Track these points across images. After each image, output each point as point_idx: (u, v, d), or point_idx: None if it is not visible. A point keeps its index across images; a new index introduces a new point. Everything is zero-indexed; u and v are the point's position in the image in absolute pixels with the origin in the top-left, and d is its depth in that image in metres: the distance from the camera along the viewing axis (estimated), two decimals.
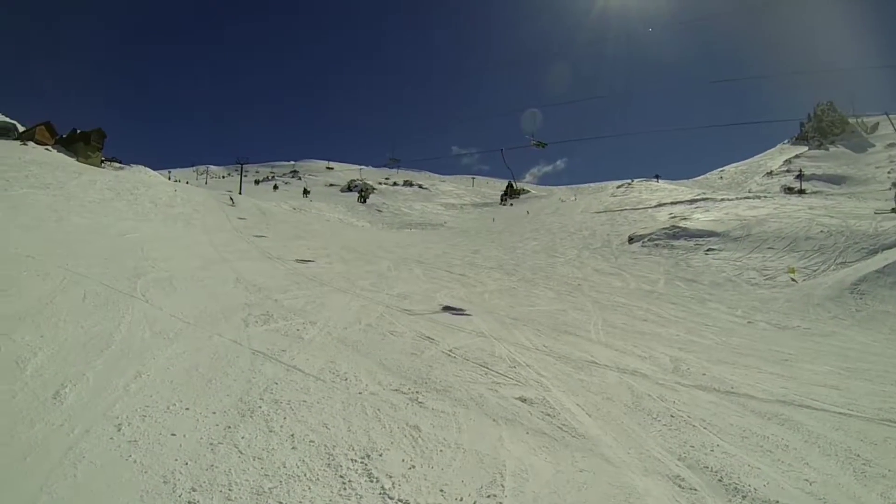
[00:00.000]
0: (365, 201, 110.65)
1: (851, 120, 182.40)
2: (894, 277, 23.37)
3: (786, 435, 7.44)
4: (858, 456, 6.77)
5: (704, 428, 7.54)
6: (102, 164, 74.39)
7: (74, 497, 4.74)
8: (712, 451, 6.71)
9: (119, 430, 6.00)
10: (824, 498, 5.56)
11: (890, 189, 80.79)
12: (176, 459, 5.48)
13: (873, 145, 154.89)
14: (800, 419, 8.14)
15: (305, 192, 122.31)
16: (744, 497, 5.52)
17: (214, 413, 6.73)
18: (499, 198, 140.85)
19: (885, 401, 9.46)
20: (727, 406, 8.65)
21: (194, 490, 4.96)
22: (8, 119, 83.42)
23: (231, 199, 62.37)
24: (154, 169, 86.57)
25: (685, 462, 6.32)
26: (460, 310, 16.60)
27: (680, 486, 5.72)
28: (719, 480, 5.87)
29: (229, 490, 5.01)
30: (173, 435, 5.99)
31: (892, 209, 42.68)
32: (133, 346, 9.14)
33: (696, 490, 5.63)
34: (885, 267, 24.56)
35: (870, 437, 7.48)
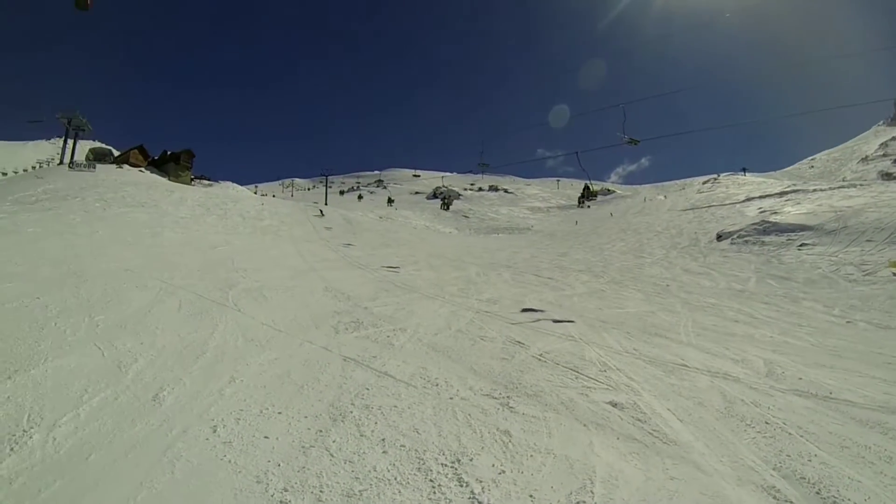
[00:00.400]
0: (448, 208, 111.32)
1: None
2: None
3: (889, 445, 6.98)
4: None
5: (801, 436, 7.19)
6: (192, 182, 77.54)
7: (172, 492, 4.91)
8: (809, 461, 6.38)
9: (214, 431, 6.20)
10: None
11: None
12: (269, 461, 5.60)
13: None
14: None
15: (390, 200, 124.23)
16: None
17: (306, 417, 6.86)
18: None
19: None
20: (825, 413, 8.24)
21: (286, 490, 5.06)
22: (104, 145, 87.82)
23: (320, 211, 63.68)
24: (241, 184, 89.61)
25: (780, 472, 6.03)
26: (542, 311, 16.48)
27: (775, 497, 5.46)
28: (817, 493, 5.56)
29: (320, 491, 5.08)
30: (266, 437, 6.14)
31: None
32: (227, 352, 9.44)
33: (791, 503, 5.37)
34: None
35: None
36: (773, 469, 6.10)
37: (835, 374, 10.75)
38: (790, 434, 7.25)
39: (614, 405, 8.07)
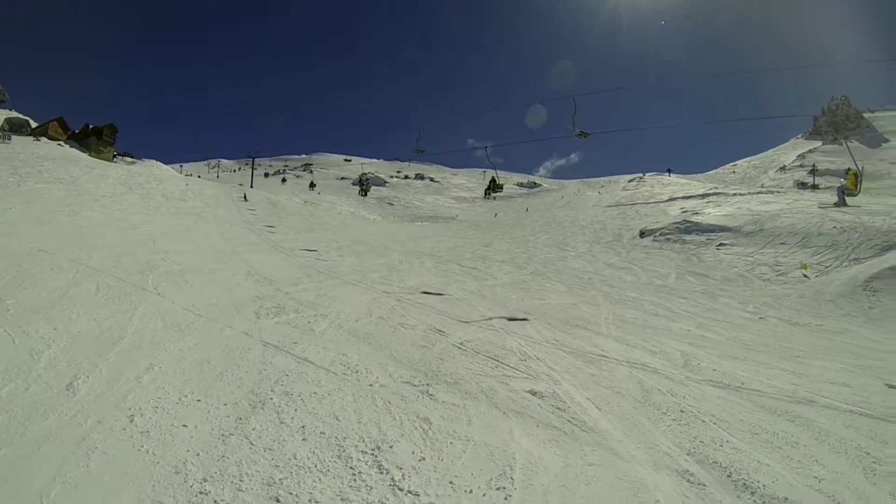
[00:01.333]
0: (366, 194, 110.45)
1: (866, 115, 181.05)
2: None
3: (796, 432, 7.38)
4: (868, 454, 6.68)
5: (714, 423, 7.50)
6: (114, 159, 74.74)
7: (87, 486, 4.78)
8: (722, 446, 6.67)
9: (131, 420, 6.05)
10: (833, 496, 5.51)
11: None
12: (188, 450, 5.52)
13: (888, 140, 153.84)
14: (810, 416, 8.07)
15: (312, 185, 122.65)
16: (753, 493, 5.48)
17: (226, 404, 6.78)
18: (511, 190, 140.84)
19: (893, 399, 9.41)
20: (737, 402, 8.60)
21: (206, 480, 5.00)
22: (21, 115, 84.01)
23: (244, 195, 62.46)
24: (166, 163, 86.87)
25: (694, 457, 6.29)
26: (446, 298, 16.65)
27: (689, 481, 5.70)
28: (728, 476, 5.84)
29: (240, 481, 5.04)
30: (185, 426, 6.04)
31: (835, 203, 42.57)
32: (145, 338, 9.21)
33: (705, 485, 5.60)
34: None
35: (880, 435, 7.40)
36: (688, 454, 6.35)
37: (747, 366, 11.22)
38: (704, 422, 7.55)
39: (534, 394, 8.23)
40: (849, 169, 48.31)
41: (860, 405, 8.80)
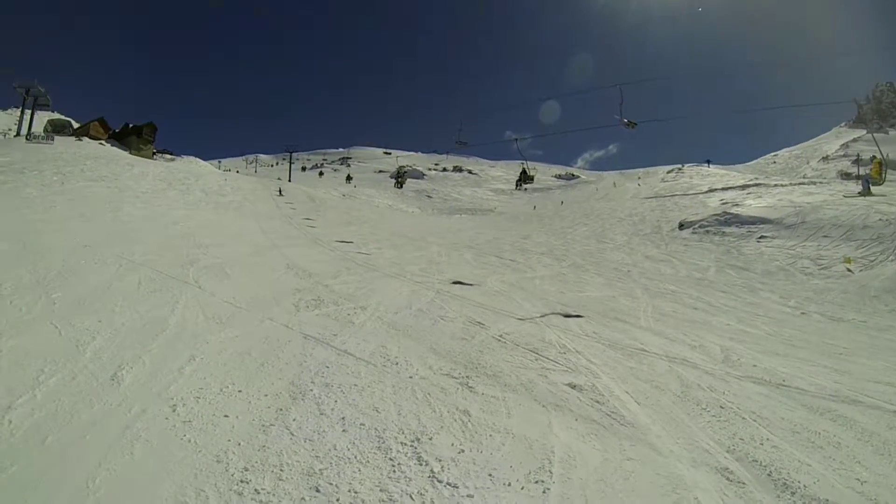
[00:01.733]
0: (401, 186, 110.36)
1: None
2: None
3: (838, 431, 7.21)
4: None
5: (754, 420, 7.37)
6: (154, 156, 75.95)
7: (131, 473, 4.86)
8: (762, 444, 6.55)
9: (174, 410, 6.14)
10: (876, 499, 5.36)
11: None
12: (229, 440, 5.58)
13: None
14: (853, 416, 7.88)
15: (348, 178, 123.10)
16: (793, 494, 5.36)
17: (266, 395, 6.85)
18: (549, 182, 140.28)
19: None
20: (778, 399, 8.44)
21: (247, 470, 5.04)
22: (63, 116, 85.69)
23: (279, 189, 62.79)
24: (204, 159, 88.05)
25: (734, 455, 6.19)
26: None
27: (728, 479, 5.60)
28: (768, 475, 5.72)
29: (280, 470, 5.08)
30: (226, 416, 6.11)
31: (859, 193, 41.56)
32: (187, 330, 9.35)
33: (744, 484, 5.50)
34: None
35: None
36: (727, 452, 6.25)
37: (788, 363, 11.01)
38: (744, 419, 7.42)
39: (573, 387, 8.18)
40: (873, 157, 47.10)
41: None
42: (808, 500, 5.24)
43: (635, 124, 24.78)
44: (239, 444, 5.50)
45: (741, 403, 8.08)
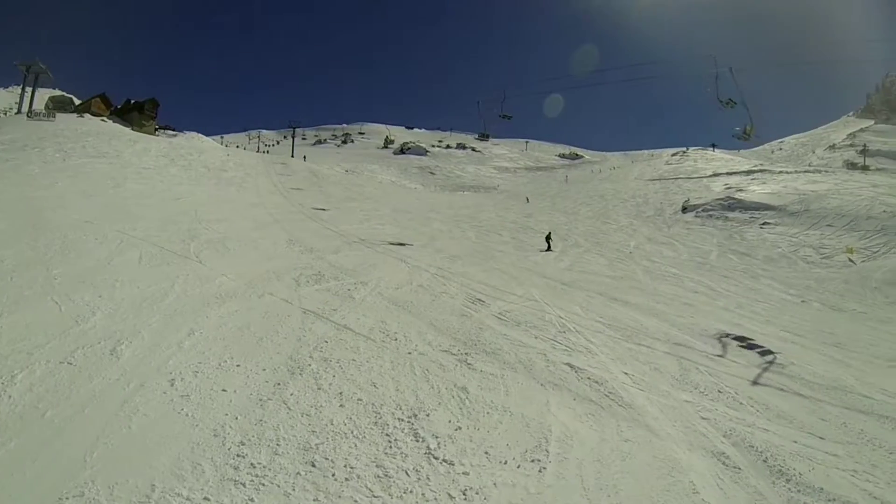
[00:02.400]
0: (403, 152, 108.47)
1: None
2: None
3: (835, 420, 7.25)
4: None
5: (752, 406, 7.40)
6: (156, 132, 75.50)
7: (128, 447, 4.87)
8: (758, 430, 6.57)
9: (172, 384, 6.15)
10: (872, 492, 5.34)
11: None
12: (226, 414, 5.60)
13: None
14: (853, 404, 7.97)
15: (343, 142, 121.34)
16: (788, 480, 5.38)
17: (264, 370, 6.87)
18: (553, 161, 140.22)
19: None
20: (777, 386, 8.49)
21: (243, 444, 5.06)
22: (65, 93, 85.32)
23: (284, 164, 62.48)
24: (207, 135, 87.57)
25: (730, 440, 6.21)
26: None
27: (724, 463, 5.63)
28: (764, 461, 5.74)
29: (277, 445, 5.10)
30: (224, 390, 6.12)
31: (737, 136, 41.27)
32: (187, 305, 9.35)
33: (740, 469, 5.52)
34: None
35: None
36: (724, 436, 6.28)
37: (787, 350, 11.02)
38: (742, 404, 7.47)
39: (572, 367, 8.21)
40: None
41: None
42: (804, 488, 5.26)
43: (735, 103, 22.73)
44: (236, 419, 5.51)
45: (739, 388, 8.13)
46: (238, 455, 4.86)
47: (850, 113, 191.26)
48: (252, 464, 4.74)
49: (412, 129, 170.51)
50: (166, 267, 11.98)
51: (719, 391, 7.90)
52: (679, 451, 5.80)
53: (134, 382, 6.10)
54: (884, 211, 34.90)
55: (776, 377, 8.94)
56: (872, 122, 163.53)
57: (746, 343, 11.15)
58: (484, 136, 42.97)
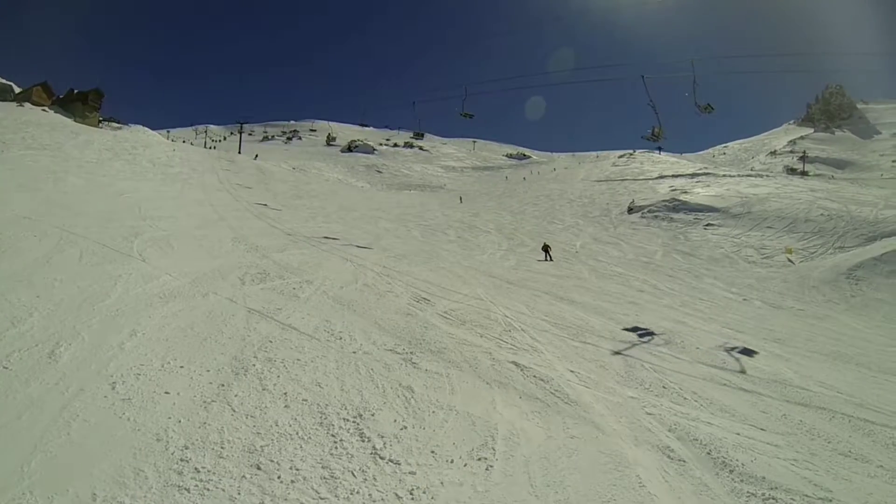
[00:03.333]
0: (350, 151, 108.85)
1: (860, 105, 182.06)
2: (892, 266, 23.95)
3: (775, 412, 7.55)
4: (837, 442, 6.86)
5: (695, 401, 7.64)
6: (100, 125, 73.58)
7: (68, 455, 4.72)
8: (702, 424, 6.78)
9: (113, 388, 5.99)
10: (812, 479, 5.59)
11: (893, 177, 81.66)
12: (169, 417, 5.50)
13: (880, 133, 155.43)
14: (792, 397, 8.30)
15: (289, 139, 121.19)
16: (731, 472, 5.57)
17: (208, 371, 6.76)
18: (500, 161, 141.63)
19: (872, 388, 9.62)
20: (718, 381, 8.75)
21: (187, 448, 4.98)
22: (4, 80, 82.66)
23: (231, 161, 61.70)
24: (153, 129, 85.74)
25: (675, 433, 6.40)
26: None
27: (669, 457, 5.80)
28: (708, 454, 5.94)
29: (221, 448, 5.04)
30: (167, 393, 6.01)
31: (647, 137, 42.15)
32: (129, 305, 9.11)
33: (684, 462, 5.69)
34: (883, 255, 25.12)
35: (858, 427, 7.47)
36: (669, 431, 6.46)
37: (729, 346, 11.33)
38: (685, 398, 7.69)
39: (517, 365, 8.33)
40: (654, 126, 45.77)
41: (838, 391, 8.97)
42: (746, 478, 5.45)
43: (713, 109, 22.62)
44: (179, 422, 5.42)
45: (683, 384, 8.35)
46: (182, 459, 4.78)
47: (791, 121, 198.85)
48: (196, 468, 4.67)
49: (366, 126, 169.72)
50: (108, 265, 11.66)
51: (664, 387, 8.10)
52: (625, 446, 5.94)
53: (73, 387, 5.91)
54: (821, 214, 36.68)
55: (719, 372, 9.21)
56: (812, 130, 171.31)
57: (686, 339, 11.45)
58: (419, 135, 43.30)
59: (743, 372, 9.38)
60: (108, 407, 5.58)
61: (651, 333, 11.62)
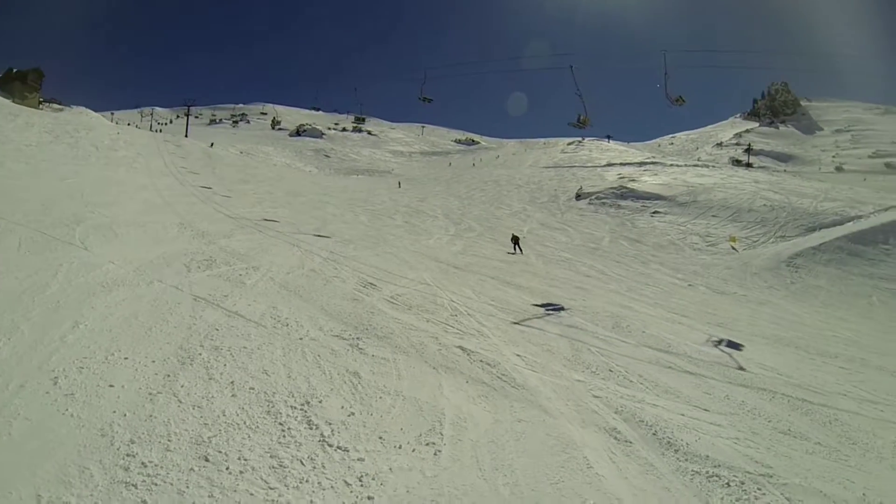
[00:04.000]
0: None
1: (804, 103, 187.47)
2: (829, 255, 25.94)
3: (718, 393, 7.87)
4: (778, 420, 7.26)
5: (641, 383, 7.87)
6: (40, 106, 71.50)
7: (10, 455, 4.57)
8: (648, 406, 6.99)
9: (55, 383, 5.83)
10: (753, 457, 5.85)
11: (833, 171, 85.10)
12: (114, 411, 5.40)
13: (822, 129, 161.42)
14: (734, 378, 8.66)
15: (235, 123, 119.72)
16: (676, 451, 5.79)
17: (154, 362, 6.66)
18: (448, 147, 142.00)
19: (810, 369, 10.19)
20: (663, 363, 9.01)
21: (133, 442, 4.90)
22: None
23: (179, 144, 60.54)
24: (96, 111, 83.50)
25: (622, 415, 6.60)
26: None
27: (616, 438, 5.98)
28: (654, 434, 6.15)
29: (168, 441, 4.99)
30: (111, 386, 5.89)
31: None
32: (70, 295, 8.89)
33: (631, 443, 5.88)
34: (821, 245, 27.11)
35: (797, 406, 7.82)
36: (615, 413, 6.66)
37: (674, 330, 11.77)
38: (631, 381, 7.92)
39: (464, 350, 8.44)
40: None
41: (778, 372, 9.45)
42: (691, 457, 5.70)
43: (684, 101, 22.65)
44: (125, 416, 5.33)
45: (629, 367, 8.59)
46: (128, 455, 4.70)
47: (738, 115, 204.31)
48: (143, 463, 4.61)
49: (318, 111, 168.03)
50: (49, 254, 11.36)
51: (610, 370, 8.31)
52: (572, 428, 6.09)
53: (13, 383, 5.74)
54: (764, 205, 38.23)
55: (664, 356, 9.46)
56: (757, 124, 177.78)
57: (632, 323, 11.73)
58: (360, 120, 43.21)
59: (687, 355, 9.65)
60: (50, 403, 5.43)
61: (596, 318, 11.85)
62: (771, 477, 5.45)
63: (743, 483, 5.31)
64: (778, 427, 6.80)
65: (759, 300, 19.50)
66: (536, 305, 12.47)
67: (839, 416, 7.55)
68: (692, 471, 5.43)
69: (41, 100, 75.16)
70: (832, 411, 7.67)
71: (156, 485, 4.36)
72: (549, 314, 11.68)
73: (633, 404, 6.97)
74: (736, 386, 8.27)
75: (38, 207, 16.66)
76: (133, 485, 4.32)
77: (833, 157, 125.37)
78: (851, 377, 9.97)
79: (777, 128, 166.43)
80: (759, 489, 5.24)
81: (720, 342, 11.12)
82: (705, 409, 7.10)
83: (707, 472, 5.42)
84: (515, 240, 25.99)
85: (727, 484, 5.28)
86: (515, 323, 10.58)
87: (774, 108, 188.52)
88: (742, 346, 11.05)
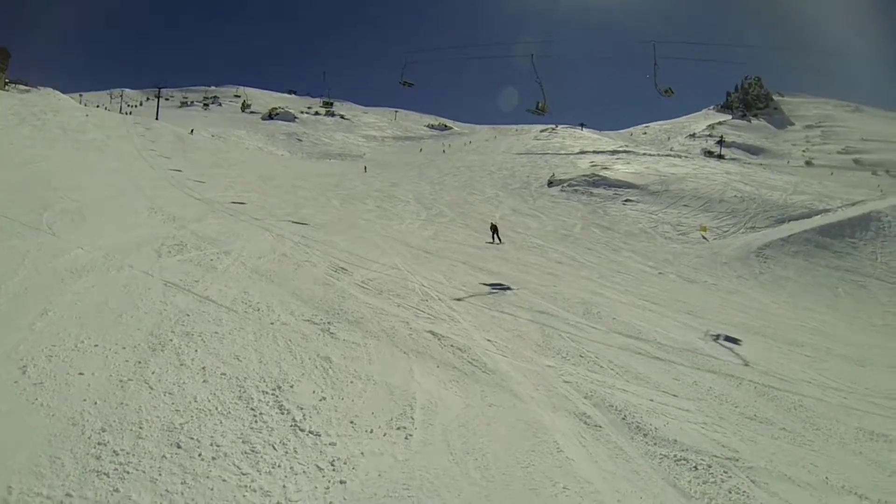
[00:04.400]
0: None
1: (776, 97, 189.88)
2: (797, 247, 26.90)
3: (688, 380, 8.09)
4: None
5: (611, 369, 8.04)
6: (6, 87, 70.13)
7: None
8: (617, 391, 7.14)
9: (24, 372, 5.73)
10: (720, 441, 6.06)
11: (803, 165, 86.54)
12: (84, 399, 5.34)
13: (793, 124, 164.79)
14: (702, 365, 8.91)
15: (206, 106, 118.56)
16: (645, 435, 5.95)
17: (124, 348, 6.61)
18: (421, 132, 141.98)
19: (777, 357, 10.52)
20: (633, 349, 9.21)
21: (104, 430, 4.86)
22: None
23: (149, 127, 59.75)
24: (64, 92, 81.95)
25: (591, 400, 6.73)
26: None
27: (586, 423, 6.12)
28: (623, 419, 6.31)
29: (140, 428, 4.97)
30: (81, 374, 5.84)
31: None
32: (38, 282, 8.75)
33: (601, 427, 6.01)
34: (790, 236, 28.08)
35: (763, 393, 8.07)
36: (585, 398, 6.79)
37: (645, 317, 11.99)
38: (601, 367, 8.08)
39: (435, 334, 8.51)
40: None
41: (747, 360, 9.71)
42: (660, 441, 5.86)
43: (673, 92, 23.45)
44: (95, 404, 5.29)
45: (599, 352, 8.75)
46: (99, 443, 4.67)
47: (711, 107, 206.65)
48: (115, 451, 4.58)
49: (292, 93, 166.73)
50: (15, 240, 11.14)
51: (581, 356, 8.45)
52: (543, 413, 6.20)
53: None
54: (734, 196, 39.13)
55: (634, 342, 9.62)
56: (730, 117, 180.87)
57: (603, 309, 11.89)
58: (328, 104, 42.80)
59: (656, 341, 9.81)
60: (19, 393, 5.35)
61: (567, 304, 11.99)
62: (737, 461, 5.64)
63: (710, 466, 5.48)
64: (744, 412, 7.04)
65: (729, 289, 19.97)
66: (484, 284, 12.85)
67: (804, 402, 7.84)
68: (660, 454, 5.59)
69: (6, 81, 73.57)
70: (797, 398, 7.96)
71: (128, 473, 4.33)
72: (493, 293, 12.12)
73: (603, 389, 7.11)
74: (704, 372, 8.49)
75: (3, 192, 16.38)
76: (105, 473, 4.29)
77: (803, 151, 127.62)
78: (816, 365, 10.31)
79: (749, 121, 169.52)
80: (725, 472, 5.41)
81: (718, 336, 11.32)
82: (674, 395, 7.28)
83: (675, 456, 5.58)
84: (494, 229, 25.40)
85: (694, 467, 5.44)
86: (457, 300, 10.78)
87: (747, 102, 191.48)
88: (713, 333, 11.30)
